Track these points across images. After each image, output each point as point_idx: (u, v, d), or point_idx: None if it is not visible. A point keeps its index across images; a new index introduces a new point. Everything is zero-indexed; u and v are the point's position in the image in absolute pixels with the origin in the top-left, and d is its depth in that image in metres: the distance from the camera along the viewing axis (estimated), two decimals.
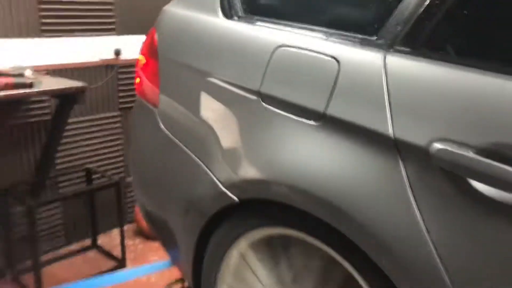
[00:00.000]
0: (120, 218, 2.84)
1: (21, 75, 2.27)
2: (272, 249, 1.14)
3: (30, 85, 2.17)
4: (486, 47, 0.84)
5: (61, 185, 2.91)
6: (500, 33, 0.84)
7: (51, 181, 2.85)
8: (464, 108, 0.81)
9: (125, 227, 3.03)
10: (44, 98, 2.62)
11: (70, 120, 2.84)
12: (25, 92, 2.13)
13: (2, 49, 2.42)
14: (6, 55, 2.42)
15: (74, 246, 3.00)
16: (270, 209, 1.08)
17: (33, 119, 2.68)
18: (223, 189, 1.15)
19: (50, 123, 2.65)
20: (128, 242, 3.04)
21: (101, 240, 3.07)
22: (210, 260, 1.23)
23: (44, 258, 2.79)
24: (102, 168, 3.02)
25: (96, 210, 3.01)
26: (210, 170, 1.21)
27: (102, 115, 2.98)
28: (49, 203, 2.77)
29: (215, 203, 1.18)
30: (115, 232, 3.07)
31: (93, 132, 2.97)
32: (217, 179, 1.17)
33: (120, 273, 2.61)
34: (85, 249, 2.98)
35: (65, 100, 2.42)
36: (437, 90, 0.84)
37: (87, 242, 3.04)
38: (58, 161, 2.87)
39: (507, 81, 0.77)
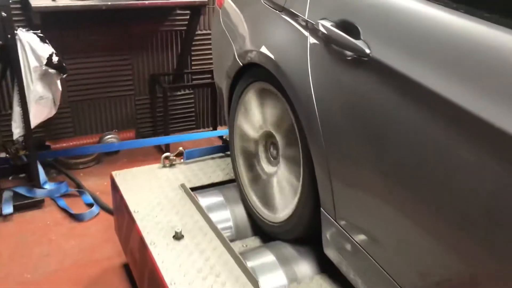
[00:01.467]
0: None
1: None
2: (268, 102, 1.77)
3: None
4: None
5: (194, 82, 3.84)
6: None
7: (188, 77, 3.79)
8: None
9: None
10: (182, 12, 3.48)
11: (202, 32, 3.70)
12: (163, 2, 3.00)
13: None
14: None
15: (200, 130, 3.96)
16: (258, 70, 1.70)
17: (175, 28, 3.59)
18: (236, 58, 1.81)
19: (185, 31, 3.53)
20: None
21: (220, 128, 3.97)
22: (233, 104, 1.92)
23: (176, 134, 3.80)
24: None
25: (218, 106, 3.89)
26: (234, 48, 1.86)
27: None
28: (180, 88, 3.72)
29: (233, 68, 1.84)
30: None
31: None
32: (235, 52, 1.83)
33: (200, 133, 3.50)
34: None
35: (194, 12, 3.24)
36: None
37: (209, 129, 3.98)
38: (193, 63, 3.79)
39: None
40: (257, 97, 1.78)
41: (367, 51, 1.18)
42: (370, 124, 1.21)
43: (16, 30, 2.62)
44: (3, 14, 2.45)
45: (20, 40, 2.65)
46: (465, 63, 0.97)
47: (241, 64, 1.78)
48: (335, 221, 1.41)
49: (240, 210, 1.98)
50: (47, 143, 3.38)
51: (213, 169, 2.26)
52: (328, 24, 1.32)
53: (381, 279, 1.25)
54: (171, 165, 2.27)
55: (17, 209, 2.74)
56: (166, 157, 2.27)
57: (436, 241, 1.06)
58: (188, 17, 3.47)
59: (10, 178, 3.04)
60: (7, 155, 3.04)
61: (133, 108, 3.69)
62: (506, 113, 0.86)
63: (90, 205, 2.83)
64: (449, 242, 1.03)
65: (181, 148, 2.31)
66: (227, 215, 1.97)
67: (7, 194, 2.77)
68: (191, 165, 2.30)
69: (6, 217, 2.69)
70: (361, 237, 1.32)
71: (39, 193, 2.83)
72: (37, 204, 2.82)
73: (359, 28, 1.23)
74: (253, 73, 1.75)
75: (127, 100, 3.65)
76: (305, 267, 1.62)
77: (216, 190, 2.08)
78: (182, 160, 2.31)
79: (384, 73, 1.14)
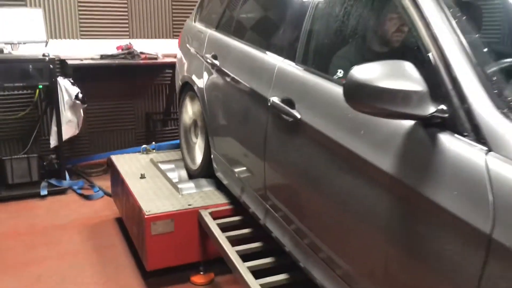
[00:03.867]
0: None
1: (155, 55, 4.71)
2: (194, 102, 3.20)
3: (155, 59, 4.60)
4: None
5: (177, 118, 5.32)
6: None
7: (173, 115, 5.28)
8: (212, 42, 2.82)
9: None
10: (168, 70, 5.05)
11: None
12: (152, 62, 4.57)
13: (151, 44, 4.91)
14: (152, 47, 4.90)
15: None
16: (190, 86, 3.15)
17: (164, 82, 5.15)
18: (180, 81, 3.28)
19: (170, 83, 5.08)
20: None
21: None
22: (180, 107, 3.36)
23: None
24: None
25: None
26: (180, 76, 3.35)
27: None
28: (167, 122, 5.20)
29: (178, 87, 3.32)
30: None
31: None
32: (179, 78, 3.31)
33: None
34: None
35: (175, 69, 4.80)
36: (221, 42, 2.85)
37: None
38: (177, 105, 5.29)
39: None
40: (189, 101, 3.23)
41: (217, 63, 2.64)
42: (224, 103, 2.63)
43: (57, 77, 4.16)
44: (51, 66, 4.01)
45: (59, 84, 4.18)
46: (247, 65, 2.39)
47: (180, 83, 3.26)
48: (215, 152, 2.79)
49: (183, 171, 3.35)
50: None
51: (172, 155, 3.66)
52: (209, 56, 2.80)
53: (237, 181, 2.58)
54: (147, 153, 3.68)
55: (50, 193, 4.13)
56: (144, 148, 3.69)
57: (257, 163, 2.39)
58: (170, 74, 5.02)
59: (45, 180, 4.45)
60: (44, 163, 4.47)
61: (133, 138, 5.15)
62: (256, 82, 2.24)
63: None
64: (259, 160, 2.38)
65: (154, 142, 3.74)
66: (176, 174, 3.34)
67: (43, 184, 4.18)
68: (160, 153, 3.71)
69: (42, 197, 4.08)
70: (226, 158, 2.69)
71: (64, 183, 4.24)
72: (63, 191, 4.21)
73: (217, 56, 2.70)
74: (187, 88, 3.22)
75: (129, 132, 5.13)
76: (209, 187, 2.97)
77: (171, 162, 3.47)
78: (154, 150, 3.73)
79: (224, 74, 2.59)
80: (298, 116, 1.81)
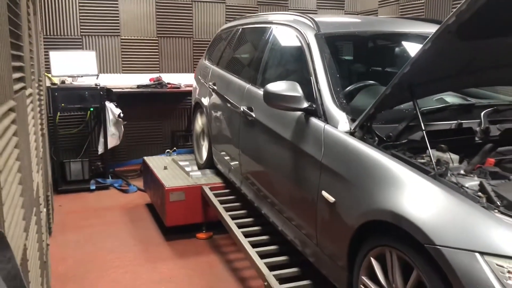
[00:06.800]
0: None
1: (179, 85, 6.08)
2: (202, 116, 4.50)
3: (179, 88, 5.98)
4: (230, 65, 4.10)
5: None
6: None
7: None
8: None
9: None
10: (189, 97, 6.41)
11: None
12: (177, 89, 5.94)
13: (176, 77, 6.30)
14: (177, 79, 6.28)
15: None
16: (200, 105, 4.46)
17: (186, 106, 6.51)
18: (193, 102, 4.61)
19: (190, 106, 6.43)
20: None
21: None
22: (193, 120, 4.68)
23: None
24: None
25: None
26: (193, 99, 4.67)
27: None
28: (188, 138, 6.53)
29: (192, 105, 4.64)
30: None
31: None
32: (193, 100, 4.64)
33: None
34: None
35: None
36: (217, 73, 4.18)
37: None
38: None
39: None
40: (199, 116, 4.55)
41: (216, 88, 3.96)
42: (218, 114, 3.93)
43: (105, 101, 5.56)
44: (101, 93, 5.42)
45: (106, 106, 5.58)
46: (231, 88, 3.70)
47: (193, 103, 4.58)
48: (214, 148, 4.07)
49: (194, 166, 4.64)
50: None
51: (188, 157, 4.96)
52: (211, 83, 4.12)
53: (226, 165, 3.84)
54: (170, 155, 4.99)
55: (97, 188, 5.47)
56: (167, 152, 5.00)
57: (235, 150, 3.69)
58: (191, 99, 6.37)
59: (93, 178, 5.79)
60: (93, 167, 5.83)
61: (161, 150, 6.47)
62: (235, 98, 3.53)
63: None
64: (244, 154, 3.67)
65: (175, 148, 5.06)
66: (189, 168, 4.62)
67: (92, 181, 5.53)
68: (179, 156, 5.02)
69: (91, 191, 5.42)
70: (220, 151, 3.95)
71: (108, 181, 5.58)
72: (106, 187, 5.54)
73: (216, 83, 4.02)
74: (198, 106, 4.54)
75: (158, 145, 6.47)
76: (210, 174, 4.23)
77: (187, 161, 4.76)
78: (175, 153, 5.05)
79: (219, 95, 3.89)
80: (254, 116, 3.08)
